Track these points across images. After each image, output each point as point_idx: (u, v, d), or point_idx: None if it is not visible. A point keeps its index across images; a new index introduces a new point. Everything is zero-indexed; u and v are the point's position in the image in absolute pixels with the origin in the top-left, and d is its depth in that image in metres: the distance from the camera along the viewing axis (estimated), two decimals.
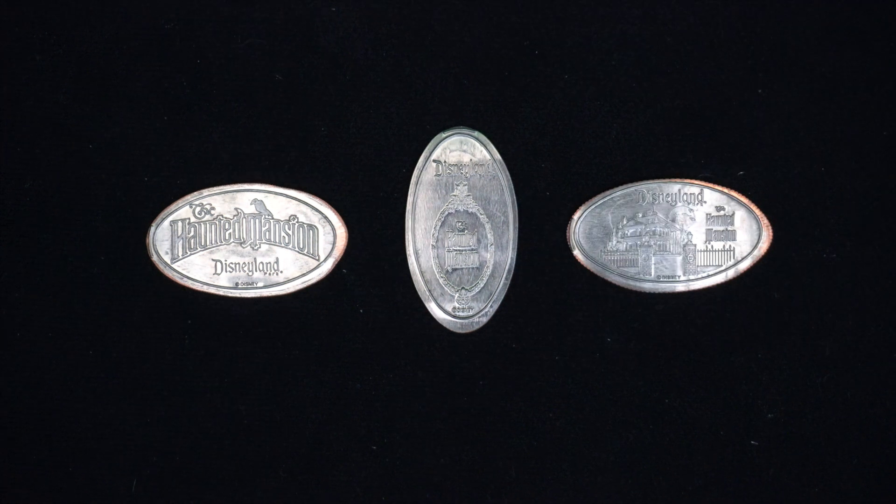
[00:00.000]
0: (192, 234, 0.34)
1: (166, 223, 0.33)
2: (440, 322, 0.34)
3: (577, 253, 0.34)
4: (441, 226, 0.34)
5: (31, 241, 0.34)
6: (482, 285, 0.34)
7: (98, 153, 0.34)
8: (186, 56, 0.34)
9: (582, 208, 0.34)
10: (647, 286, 0.34)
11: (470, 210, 0.34)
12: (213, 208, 0.34)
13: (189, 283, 0.34)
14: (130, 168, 0.34)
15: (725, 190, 0.34)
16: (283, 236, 0.34)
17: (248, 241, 0.34)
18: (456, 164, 0.34)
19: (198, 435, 0.34)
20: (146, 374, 0.34)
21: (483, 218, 0.34)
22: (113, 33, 0.34)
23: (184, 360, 0.34)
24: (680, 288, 0.34)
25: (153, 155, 0.34)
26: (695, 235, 0.34)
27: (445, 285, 0.34)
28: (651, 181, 0.34)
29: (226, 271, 0.34)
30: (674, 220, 0.34)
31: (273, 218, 0.34)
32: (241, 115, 0.34)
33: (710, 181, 0.34)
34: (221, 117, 0.34)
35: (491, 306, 0.34)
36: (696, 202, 0.34)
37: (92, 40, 0.34)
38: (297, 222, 0.34)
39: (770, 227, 0.34)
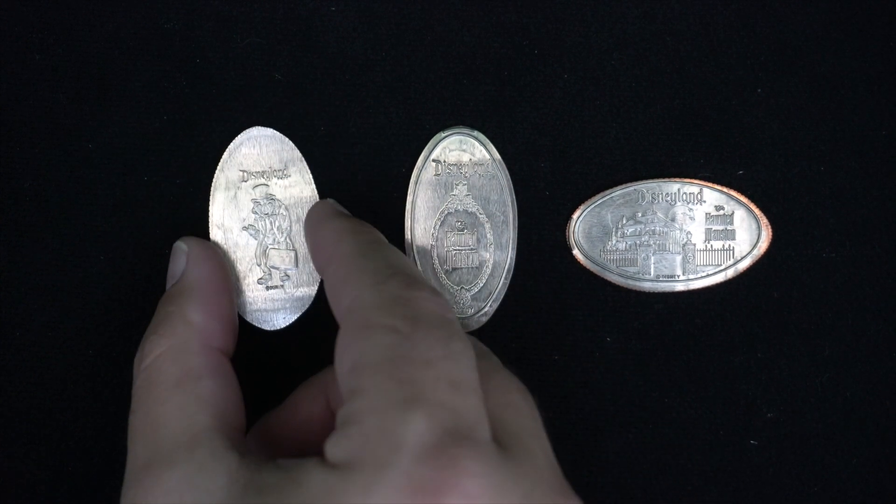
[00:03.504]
0: None
1: None
2: None
3: (576, 252, 0.34)
4: (441, 225, 0.34)
5: (31, 241, 0.34)
6: (482, 285, 0.34)
7: (98, 153, 0.34)
8: (186, 56, 0.34)
9: (581, 208, 0.34)
10: (647, 286, 0.34)
11: (469, 210, 0.34)
12: None
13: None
14: (130, 168, 0.34)
15: (725, 189, 0.34)
16: None
17: None
18: (455, 164, 0.34)
19: None
20: None
21: (482, 217, 0.34)
22: (113, 33, 0.34)
23: None
24: (679, 287, 0.34)
25: (153, 155, 0.34)
26: (694, 235, 0.34)
27: (445, 285, 0.34)
28: (650, 181, 0.34)
29: None
30: (673, 220, 0.34)
31: None
32: (241, 115, 0.34)
33: (709, 181, 0.34)
34: (221, 117, 0.34)
35: (491, 306, 0.34)
36: (696, 202, 0.34)
37: (92, 40, 0.34)
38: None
39: (769, 227, 0.34)
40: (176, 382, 0.27)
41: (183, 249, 0.31)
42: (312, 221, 0.30)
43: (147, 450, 0.26)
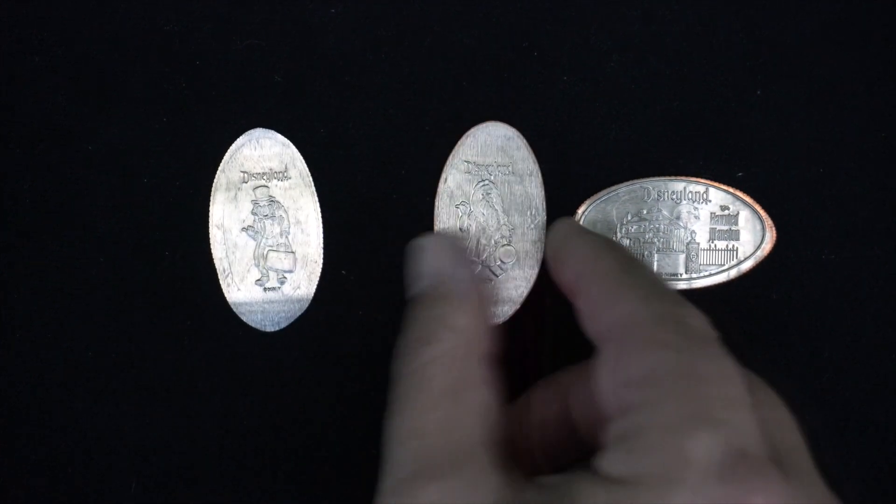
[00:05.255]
0: None
1: None
2: None
3: None
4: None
5: (31, 241, 0.33)
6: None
7: (98, 153, 0.33)
8: (186, 56, 0.33)
9: (587, 203, 0.33)
10: None
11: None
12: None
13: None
14: (130, 168, 0.33)
15: (730, 189, 0.33)
16: None
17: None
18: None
19: (198, 435, 0.33)
20: (146, 374, 0.33)
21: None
22: (113, 33, 0.33)
23: (184, 360, 0.33)
24: (682, 286, 0.33)
25: (153, 155, 0.33)
26: (698, 234, 0.33)
27: None
28: (656, 178, 0.33)
29: None
30: (678, 218, 0.33)
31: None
32: (241, 116, 0.33)
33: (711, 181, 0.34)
34: (221, 117, 0.33)
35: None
36: (701, 201, 0.33)
37: (92, 40, 0.33)
38: None
39: (774, 228, 0.33)
40: (446, 391, 0.26)
41: (433, 248, 0.29)
42: (560, 236, 0.29)
43: (412, 459, 0.25)
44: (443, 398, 0.26)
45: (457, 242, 0.30)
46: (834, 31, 0.34)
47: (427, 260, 0.29)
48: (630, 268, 0.27)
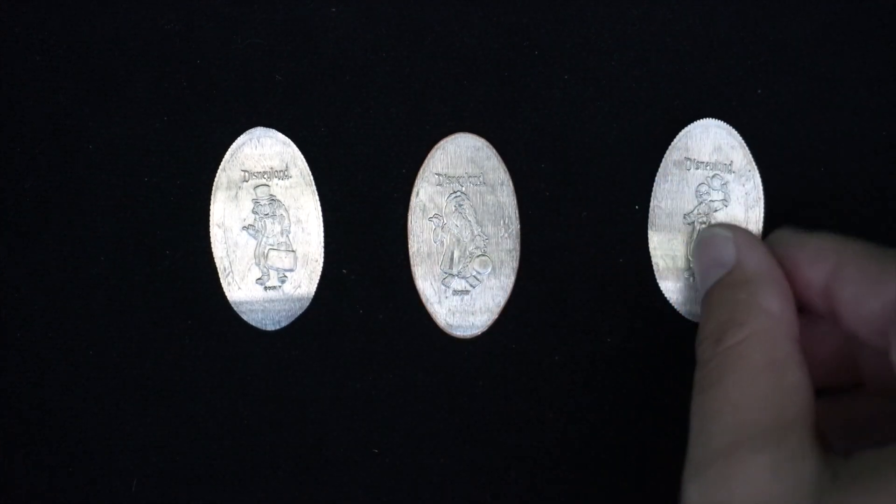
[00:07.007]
0: None
1: None
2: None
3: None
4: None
5: (31, 241, 0.33)
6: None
7: (98, 153, 0.33)
8: (186, 56, 0.33)
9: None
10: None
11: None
12: None
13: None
14: (130, 168, 0.33)
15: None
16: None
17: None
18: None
19: (198, 435, 0.33)
20: (146, 374, 0.33)
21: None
22: (113, 33, 0.33)
23: (184, 360, 0.33)
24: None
25: (153, 155, 0.33)
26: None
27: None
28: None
29: None
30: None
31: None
32: (241, 115, 0.33)
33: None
34: (221, 117, 0.33)
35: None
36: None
37: (92, 40, 0.33)
38: None
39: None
40: (764, 367, 0.26)
41: (727, 236, 0.29)
42: (791, 242, 0.30)
43: (727, 432, 0.25)
44: (761, 374, 0.26)
45: (748, 231, 0.31)
46: (834, 31, 0.33)
47: (717, 248, 0.29)
48: (874, 248, 0.27)
